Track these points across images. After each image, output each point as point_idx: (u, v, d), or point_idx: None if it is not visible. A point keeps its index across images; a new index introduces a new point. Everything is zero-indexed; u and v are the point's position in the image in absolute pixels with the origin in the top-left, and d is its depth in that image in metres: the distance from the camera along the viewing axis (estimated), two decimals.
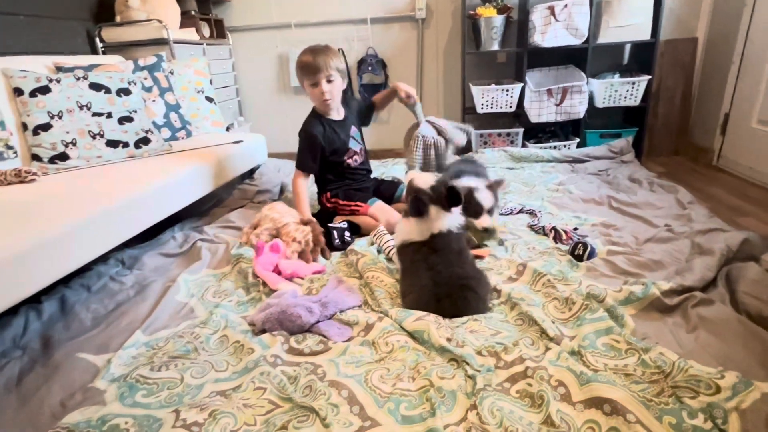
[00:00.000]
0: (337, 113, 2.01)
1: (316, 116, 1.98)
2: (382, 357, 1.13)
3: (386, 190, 2.14)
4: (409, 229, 1.39)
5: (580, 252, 1.59)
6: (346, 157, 2.02)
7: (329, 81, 1.86)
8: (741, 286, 1.28)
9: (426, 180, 1.42)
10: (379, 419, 0.93)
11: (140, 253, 1.82)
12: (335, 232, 1.80)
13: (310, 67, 1.82)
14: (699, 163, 2.82)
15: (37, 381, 1.15)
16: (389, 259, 1.64)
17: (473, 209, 1.66)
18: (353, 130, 2.06)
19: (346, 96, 2.09)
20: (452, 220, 1.38)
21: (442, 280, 1.28)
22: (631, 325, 1.17)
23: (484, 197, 1.67)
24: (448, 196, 1.35)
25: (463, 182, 1.71)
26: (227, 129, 2.88)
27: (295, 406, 0.98)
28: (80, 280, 1.61)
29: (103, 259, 1.75)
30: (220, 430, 0.90)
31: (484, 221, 1.66)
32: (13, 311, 1.39)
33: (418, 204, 1.35)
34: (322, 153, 1.96)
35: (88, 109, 1.99)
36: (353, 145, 2.04)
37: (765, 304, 1.18)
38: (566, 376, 0.98)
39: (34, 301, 1.47)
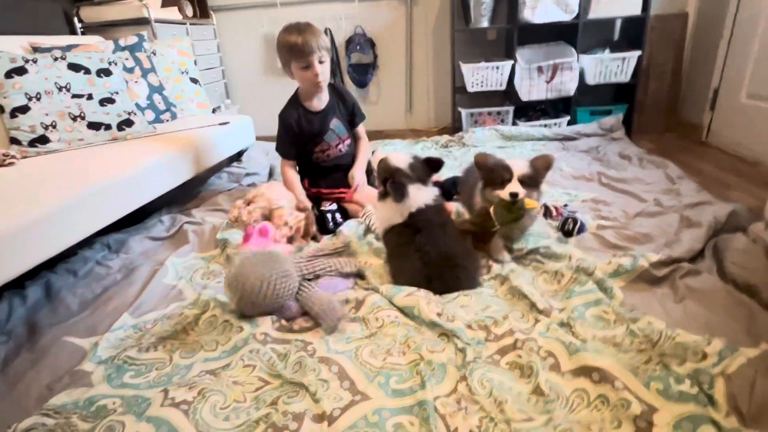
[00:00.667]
0: (318, 101, 1.86)
1: (294, 103, 1.86)
2: (372, 333, 1.12)
3: (369, 175, 2.10)
4: (389, 214, 1.38)
5: (569, 227, 1.59)
6: (318, 150, 1.90)
7: (321, 62, 1.72)
8: (728, 256, 1.29)
9: (401, 158, 1.39)
10: (370, 393, 0.93)
11: (127, 237, 1.79)
12: (328, 215, 1.77)
13: (300, 48, 1.66)
14: (688, 139, 2.83)
15: (24, 365, 1.14)
16: (379, 239, 1.62)
17: (499, 175, 1.35)
18: (335, 122, 1.90)
19: (337, 84, 1.98)
20: (428, 193, 1.37)
21: (431, 260, 1.27)
22: (619, 297, 1.18)
23: (517, 164, 1.36)
24: (429, 165, 1.39)
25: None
26: (213, 112, 2.82)
27: (284, 383, 0.98)
28: (65, 265, 1.58)
29: (89, 243, 1.72)
30: (210, 408, 0.90)
31: (512, 187, 1.32)
32: None
33: (400, 188, 1.33)
34: (298, 141, 1.87)
35: (68, 90, 1.93)
36: (330, 138, 1.89)
37: (751, 273, 1.19)
38: (555, 347, 0.99)
39: (18, 287, 1.44)
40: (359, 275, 1.40)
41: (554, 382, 0.90)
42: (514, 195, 1.31)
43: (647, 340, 0.99)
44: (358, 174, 1.89)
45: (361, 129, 2.04)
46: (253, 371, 1.02)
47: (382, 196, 1.41)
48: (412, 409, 0.89)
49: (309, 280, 1.28)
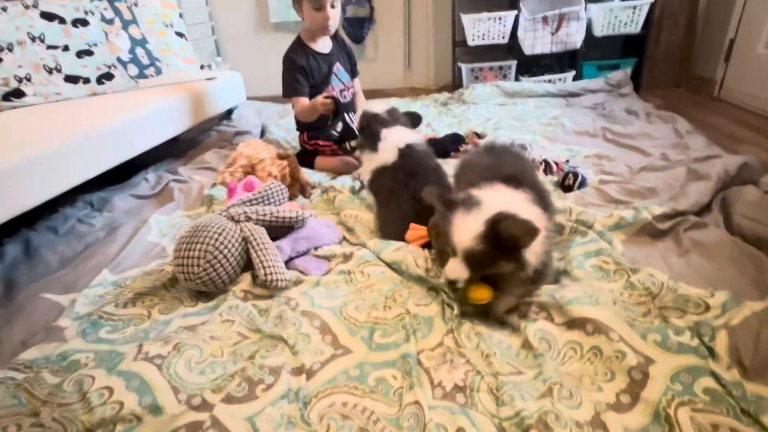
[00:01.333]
0: (324, 44, 1.87)
1: (300, 45, 1.84)
2: (359, 288, 1.07)
3: None
4: (375, 159, 1.31)
5: (570, 182, 1.51)
6: (324, 93, 1.86)
7: (333, 6, 1.74)
8: (738, 208, 1.21)
9: (378, 105, 1.37)
10: (352, 347, 0.89)
11: (110, 195, 1.73)
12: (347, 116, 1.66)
13: None
14: (700, 94, 2.69)
15: None
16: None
17: (443, 239, 0.95)
18: (338, 66, 1.91)
19: (338, 34, 1.95)
20: (413, 135, 1.33)
21: (426, 206, 1.20)
22: (619, 249, 1.12)
23: (467, 228, 0.84)
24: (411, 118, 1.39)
25: None
26: (202, 68, 2.69)
27: (263, 337, 0.94)
28: (46, 223, 1.53)
29: (70, 201, 1.66)
30: (185, 362, 0.86)
31: (450, 269, 0.86)
32: None
33: (373, 135, 1.30)
34: (305, 81, 1.82)
35: (42, 41, 1.82)
36: (334, 82, 1.90)
37: (762, 225, 1.12)
38: (547, 301, 0.93)
39: None
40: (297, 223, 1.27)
41: (546, 336, 0.85)
42: (450, 282, 0.86)
43: (647, 293, 0.94)
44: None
45: (357, 85, 2.05)
46: (231, 326, 0.97)
47: (362, 146, 1.36)
48: (395, 362, 0.84)
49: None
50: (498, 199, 0.85)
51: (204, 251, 1.07)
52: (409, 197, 1.21)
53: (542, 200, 0.92)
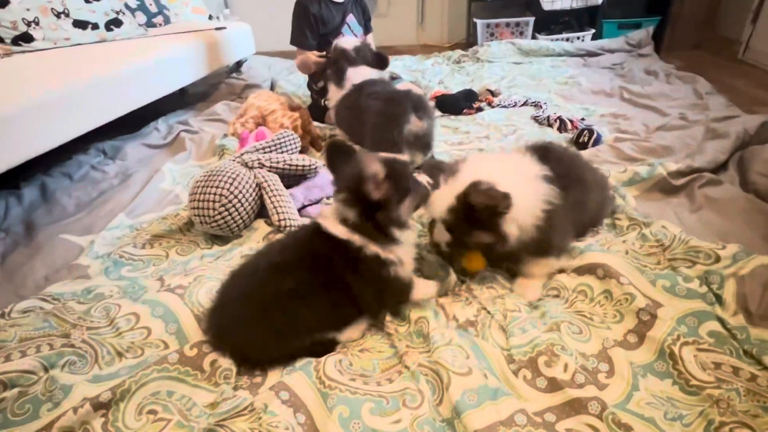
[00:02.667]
0: None
1: None
2: None
3: None
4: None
5: (585, 139, 1.49)
6: (334, 41, 1.84)
7: None
8: (754, 166, 1.20)
9: (349, 41, 1.52)
10: None
11: (122, 144, 1.74)
12: None
13: None
14: (724, 56, 2.59)
15: (20, 259, 1.14)
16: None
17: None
18: (351, 18, 1.86)
19: None
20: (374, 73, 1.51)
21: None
22: (632, 204, 1.12)
23: (442, 195, 0.83)
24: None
25: None
26: (210, 19, 2.62)
27: None
28: (60, 169, 1.55)
29: (83, 149, 1.67)
30: (205, 292, 0.89)
31: (436, 233, 0.88)
32: None
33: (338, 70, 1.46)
34: (317, 31, 1.78)
35: None
36: (346, 32, 1.85)
37: None
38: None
39: (13, 188, 1.42)
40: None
41: (557, 280, 0.87)
42: (434, 245, 0.89)
43: (659, 244, 0.95)
44: None
45: (371, 40, 1.99)
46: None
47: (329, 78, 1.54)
48: None
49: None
50: (485, 166, 0.83)
51: (219, 195, 1.08)
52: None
53: (566, 178, 0.87)
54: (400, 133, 1.27)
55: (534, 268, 0.89)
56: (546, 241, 0.84)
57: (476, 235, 0.81)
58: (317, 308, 0.73)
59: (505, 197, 0.75)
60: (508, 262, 0.94)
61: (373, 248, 0.72)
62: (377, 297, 0.75)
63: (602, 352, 0.73)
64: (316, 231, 0.75)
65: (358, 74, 1.48)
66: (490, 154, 0.92)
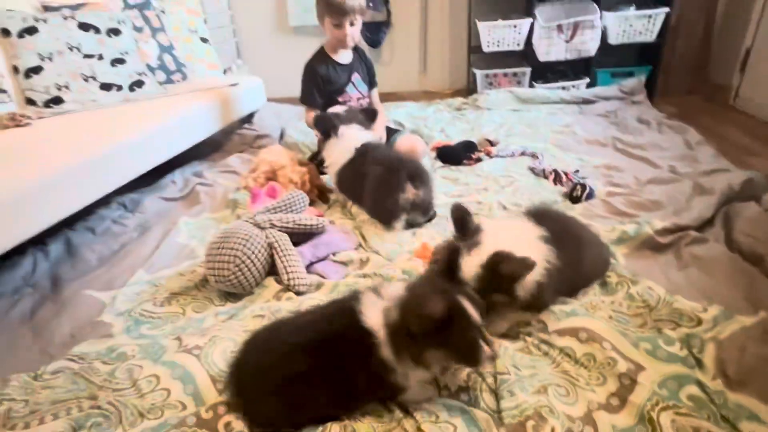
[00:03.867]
0: (344, 56, 1.98)
1: (322, 55, 1.96)
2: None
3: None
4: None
5: (578, 193, 1.57)
6: (340, 99, 1.98)
7: (352, 24, 1.84)
8: (737, 224, 1.27)
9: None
10: None
11: (141, 197, 1.84)
12: None
13: (337, 7, 1.77)
14: (715, 102, 2.70)
15: (48, 315, 1.22)
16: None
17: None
18: (356, 76, 2.01)
19: (358, 46, 2.05)
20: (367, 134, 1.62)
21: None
22: (622, 263, 1.18)
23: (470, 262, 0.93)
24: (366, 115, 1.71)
25: None
26: (224, 72, 2.80)
27: None
28: (84, 223, 1.65)
29: (105, 203, 1.78)
30: (220, 352, 0.95)
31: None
32: (21, 253, 1.44)
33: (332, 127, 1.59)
34: (324, 91, 1.93)
35: (79, 50, 1.94)
36: (351, 91, 2.00)
37: (759, 242, 1.18)
38: (545, 315, 1.00)
39: (40, 243, 1.52)
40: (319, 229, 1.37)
41: (543, 343, 0.93)
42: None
43: (645, 305, 1.01)
44: (379, 127, 1.98)
45: (375, 96, 2.15)
46: (262, 321, 1.06)
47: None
48: None
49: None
50: (500, 235, 0.92)
51: (233, 256, 1.16)
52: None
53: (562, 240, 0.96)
54: (395, 202, 1.38)
55: (514, 316, 0.99)
56: (539, 299, 0.93)
57: (494, 297, 0.90)
58: (331, 391, 0.77)
59: (531, 265, 0.84)
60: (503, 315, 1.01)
61: (387, 353, 0.73)
62: (371, 387, 0.79)
63: (587, 415, 0.78)
64: (350, 313, 0.76)
65: (350, 133, 1.60)
66: (499, 221, 1.04)
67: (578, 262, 1.01)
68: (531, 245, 0.91)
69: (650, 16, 2.62)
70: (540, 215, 1.01)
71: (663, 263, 1.20)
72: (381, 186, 1.42)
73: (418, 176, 1.42)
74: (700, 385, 0.80)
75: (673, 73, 2.92)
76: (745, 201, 1.38)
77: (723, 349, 0.85)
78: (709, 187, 1.45)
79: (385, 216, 1.43)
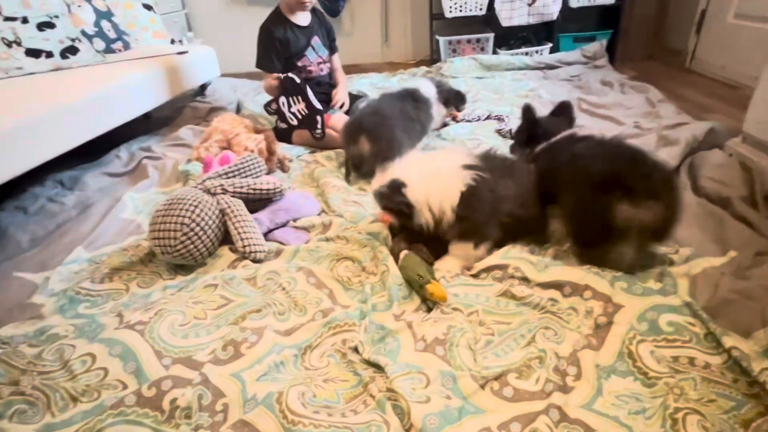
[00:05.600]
0: (303, 17, 1.85)
1: (278, 16, 1.82)
2: (339, 252, 1.08)
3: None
4: None
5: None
6: (300, 63, 1.87)
7: None
8: (703, 171, 1.26)
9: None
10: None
11: (81, 173, 1.68)
12: (318, 118, 1.67)
13: None
14: (672, 65, 2.74)
15: None
16: None
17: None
18: (315, 40, 1.89)
19: (316, 8, 1.94)
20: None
21: None
22: None
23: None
24: None
25: None
26: (172, 43, 2.60)
27: (248, 302, 0.94)
28: (15, 203, 1.49)
29: (39, 181, 1.61)
30: (167, 326, 0.86)
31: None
32: None
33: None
34: (282, 53, 1.81)
35: None
36: (310, 55, 1.89)
37: (724, 185, 1.17)
38: (523, 265, 0.95)
39: None
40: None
41: (526, 288, 0.89)
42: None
43: None
44: (341, 94, 1.92)
45: (336, 61, 2.04)
46: (215, 290, 0.97)
47: None
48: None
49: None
50: (411, 163, 1.02)
51: (180, 224, 1.05)
52: None
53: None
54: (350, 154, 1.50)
55: (455, 249, 1.01)
56: (466, 226, 0.96)
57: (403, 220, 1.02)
58: None
59: (402, 202, 0.96)
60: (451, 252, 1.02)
61: None
62: None
63: (572, 355, 0.75)
64: None
65: None
66: (423, 153, 1.08)
67: (521, 198, 1.00)
68: (447, 172, 0.97)
69: None
70: (484, 155, 1.06)
71: None
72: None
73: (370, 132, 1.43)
74: (677, 311, 0.77)
75: (632, 38, 2.93)
76: (708, 150, 1.39)
77: (696, 284, 0.83)
78: (673, 139, 1.45)
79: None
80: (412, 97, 1.66)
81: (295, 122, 1.63)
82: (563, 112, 1.21)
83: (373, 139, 1.43)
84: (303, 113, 1.65)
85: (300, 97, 1.64)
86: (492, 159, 1.06)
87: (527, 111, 1.18)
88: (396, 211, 1.00)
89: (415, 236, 1.05)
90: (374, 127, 1.45)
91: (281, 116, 1.71)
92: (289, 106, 1.63)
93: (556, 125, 1.18)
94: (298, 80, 1.64)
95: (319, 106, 1.66)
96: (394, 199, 0.97)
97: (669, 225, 0.87)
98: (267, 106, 1.71)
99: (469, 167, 0.97)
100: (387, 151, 1.37)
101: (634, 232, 0.85)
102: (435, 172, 0.98)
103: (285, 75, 1.66)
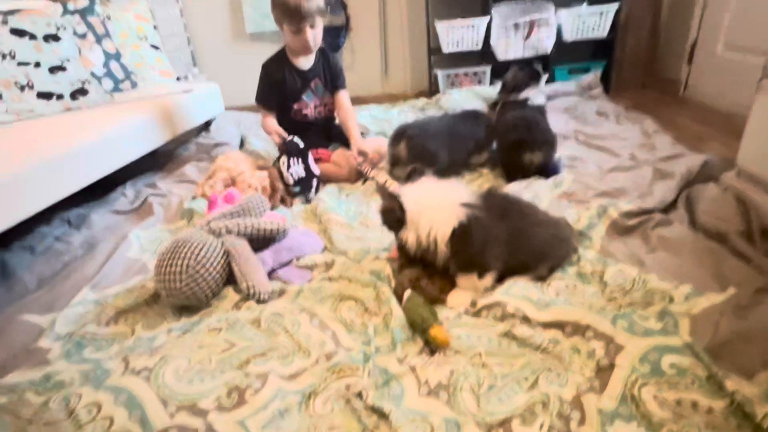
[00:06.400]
0: (305, 61, 1.88)
1: (280, 57, 1.86)
2: (342, 292, 1.09)
3: (347, 138, 2.05)
4: None
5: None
6: (296, 107, 1.90)
7: (312, 27, 1.73)
8: (700, 205, 1.28)
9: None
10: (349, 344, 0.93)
11: (88, 211, 1.71)
12: (284, 168, 1.69)
13: (293, 11, 1.66)
14: (666, 94, 2.80)
15: None
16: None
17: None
18: (316, 82, 1.92)
19: (325, 50, 1.94)
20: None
21: None
22: (596, 246, 1.17)
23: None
24: None
25: None
26: (178, 80, 2.68)
27: (252, 345, 0.94)
28: (21, 243, 1.51)
29: (46, 220, 1.64)
30: (173, 372, 0.86)
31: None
32: None
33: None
34: (277, 94, 1.85)
35: (12, 57, 1.80)
36: (308, 98, 1.91)
37: (721, 220, 1.19)
38: (523, 305, 0.96)
39: None
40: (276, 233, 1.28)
41: (527, 330, 0.90)
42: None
43: (620, 288, 0.99)
44: (359, 142, 1.84)
45: (343, 98, 1.98)
46: (219, 334, 0.98)
47: None
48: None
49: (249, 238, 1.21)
50: (414, 189, 1.06)
51: (185, 266, 1.07)
52: None
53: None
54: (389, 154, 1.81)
55: (461, 282, 1.04)
56: (463, 259, 1.00)
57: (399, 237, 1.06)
58: None
59: (389, 207, 1.04)
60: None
61: None
62: None
63: (576, 399, 0.75)
64: None
65: None
66: (427, 183, 1.11)
67: (521, 233, 1.04)
68: (443, 206, 1.01)
69: (602, 13, 2.70)
70: (485, 194, 1.09)
71: (632, 247, 1.19)
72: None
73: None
74: (679, 352, 0.78)
75: (625, 69, 3.01)
76: (703, 182, 1.41)
77: (697, 324, 0.84)
78: (669, 172, 1.47)
79: None
80: (472, 116, 1.91)
81: (291, 181, 1.68)
82: (529, 65, 1.91)
83: (411, 147, 1.69)
84: (300, 175, 1.70)
85: (300, 159, 1.70)
86: (491, 198, 1.09)
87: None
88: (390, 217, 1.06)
89: (420, 272, 1.06)
90: (414, 136, 1.71)
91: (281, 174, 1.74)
92: (289, 166, 1.68)
93: (523, 79, 1.88)
94: (301, 145, 1.71)
95: (317, 171, 1.74)
96: (394, 198, 1.03)
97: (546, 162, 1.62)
98: (281, 167, 1.73)
99: (466, 205, 1.01)
100: (421, 159, 1.62)
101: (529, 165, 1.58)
102: (433, 204, 1.02)
103: (290, 139, 1.72)
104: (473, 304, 1.00)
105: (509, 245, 1.01)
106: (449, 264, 1.02)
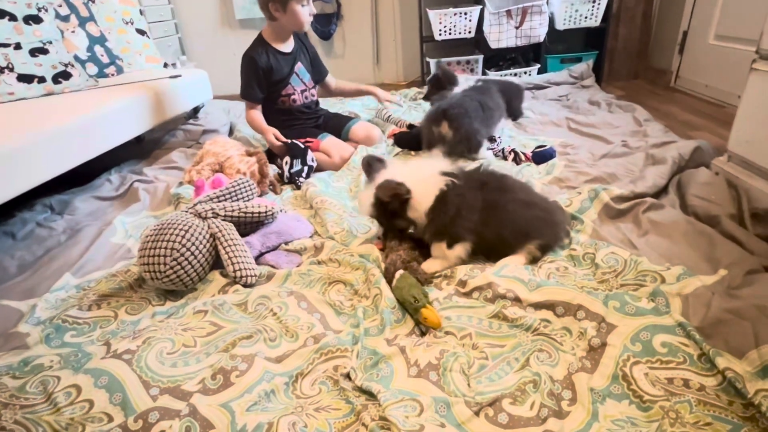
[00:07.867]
0: (286, 44, 1.87)
1: (261, 43, 1.83)
2: (331, 275, 1.07)
3: (336, 125, 2.02)
4: None
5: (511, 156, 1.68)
6: (284, 93, 1.88)
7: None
8: (691, 189, 1.28)
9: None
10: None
11: (71, 197, 1.67)
12: (284, 163, 1.70)
13: None
14: (657, 84, 2.81)
15: None
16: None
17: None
18: (299, 66, 1.90)
19: (300, 34, 1.94)
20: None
21: None
22: (588, 231, 1.17)
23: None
24: None
25: None
26: (165, 66, 2.62)
27: (238, 328, 0.92)
28: (2, 228, 1.47)
29: (28, 205, 1.60)
30: (156, 355, 0.84)
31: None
32: None
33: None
34: (265, 82, 1.81)
35: None
36: (295, 83, 1.89)
37: (712, 204, 1.19)
38: (515, 285, 0.95)
39: None
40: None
41: (518, 310, 0.89)
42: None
43: (611, 270, 0.98)
44: (379, 90, 2.18)
45: (334, 81, 2.13)
46: (204, 316, 0.96)
47: None
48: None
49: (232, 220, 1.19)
50: (396, 169, 1.07)
51: (170, 249, 1.04)
52: None
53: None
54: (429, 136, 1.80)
55: (433, 250, 1.08)
56: (439, 226, 1.02)
57: (395, 223, 1.07)
58: None
59: (399, 185, 1.00)
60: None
61: None
62: None
63: (567, 378, 0.74)
64: None
65: None
66: (405, 161, 1.13)
67: (497, 205, 1.03)
68: (427, 178, 1.03)
69: (594, 1, 2.69)
70: (471, 168, 1.12)
71: (623, 230, 1.19)
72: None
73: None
74: (670, 331, 0.77)
75: (617, 59, 3.00)
76: (695, 168, 1.41)
77: (688, 303, 0.83)
78: (660, 157, 1.47)
79: None
80: (498, 84, 2.02)
81: (289, 180, 1.70)
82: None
83: (456, 127, 1.69)
84: (300, 172, 1.70)
85: (301, 161, 1.71)
86: (475, 171, 1.12)
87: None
88: (390, 210, 1.04)
89: (409, 255, 1.05)
90: (458, 116, 1.70)
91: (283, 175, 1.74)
92: (291, 167, 1.68)
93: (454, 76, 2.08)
94: (303, 147, 1.73)
95: (314, 164, 1.75)
96: (396, 187, 1.00)
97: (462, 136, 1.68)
98: (288, 170, 1.71)
99: (445, 173, 1.04)
100: (464, 136, 1.70)
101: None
102: (416, 178, 1.04)
103: (292, 141, 1.73)
104: (462, 284, 0.99)
105: (483, 216, 1.02)
106: (424, 233, 1.06)
